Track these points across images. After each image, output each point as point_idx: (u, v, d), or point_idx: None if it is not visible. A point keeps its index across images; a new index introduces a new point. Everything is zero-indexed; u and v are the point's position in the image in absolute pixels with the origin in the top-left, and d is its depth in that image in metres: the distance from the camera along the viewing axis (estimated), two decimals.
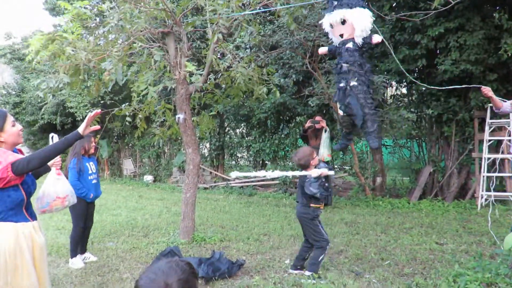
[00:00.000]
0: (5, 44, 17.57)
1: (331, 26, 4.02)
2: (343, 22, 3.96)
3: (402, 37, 7.30)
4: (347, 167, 10.75)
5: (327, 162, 7.60)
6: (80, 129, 2.48)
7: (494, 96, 4.47)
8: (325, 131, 7.52)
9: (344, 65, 3.93)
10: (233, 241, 5.26)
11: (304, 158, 3.74)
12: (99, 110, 2.67)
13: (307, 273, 3.77)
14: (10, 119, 2.43)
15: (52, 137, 2.81)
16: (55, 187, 3.11)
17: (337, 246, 4.94)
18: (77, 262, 4.40)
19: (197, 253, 4.69)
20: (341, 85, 3.99)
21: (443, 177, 8.08)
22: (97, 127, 2.69)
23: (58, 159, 3.06)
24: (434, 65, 7.28)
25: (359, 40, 3.97)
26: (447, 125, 7.81)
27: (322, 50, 4.30)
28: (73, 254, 4.42)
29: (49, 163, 2.90)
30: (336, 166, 10.89)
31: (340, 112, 4.25)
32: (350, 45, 3.98)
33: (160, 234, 5.69)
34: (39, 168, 2.46)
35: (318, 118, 7.58)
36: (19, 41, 17.44)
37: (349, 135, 4.57)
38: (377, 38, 4.03)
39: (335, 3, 4.01)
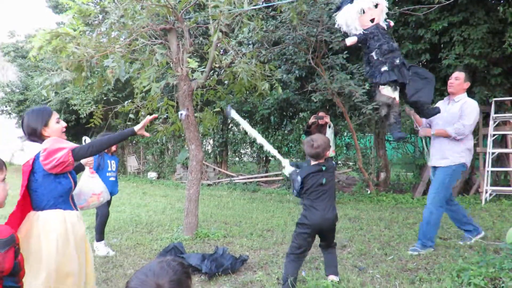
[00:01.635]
0: (8, 42, 17.61)
1: (363, 11, 3.86)
2: (376, 5, 3.88)
3: (406, 32, 7.27)
4: (350, 163, 10.74)
5: (331, 158, 7.59)
6: (136, 128, 2.69)
7: (416, 116, 4.62)
8: (329, 126, 7.50)
9: (385, 46, 3.76)
10: (237, 237, 5.27)
11: (323, 146, 3.34)
12: (156, 115, 2.97)
13: (337, 278, 3.49)
14: (55, 116, 2.57)
15: (85, 140, 3.00)
16: (90, 185, 3.33)
17: (341, 241, 4.93)
18: (102, 248, 4.63)
19: (200, 249, 4.71)
20: (385, 68, 3.75)
21: None
22: (154, 116, 2.89)
23: (91, 159, 3.31)
24: (438, 59, 7.24)
25: (384, 24, 3.93)
26: None
27: (351, 40, 3.87)
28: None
29: (83, 162, 3.16)
30: (339, 162, 10.88)
31: (392, 95, 3.85)
32: (384, 26, 3.91)
33: (163, 231, 5.71)
34: (95, 155, 2.71)
35: (321, 113, 7.56)
36: (22, 39, 17.47)
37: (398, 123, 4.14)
38: (391, 22, 4.08)
39: None
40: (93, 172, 3.42)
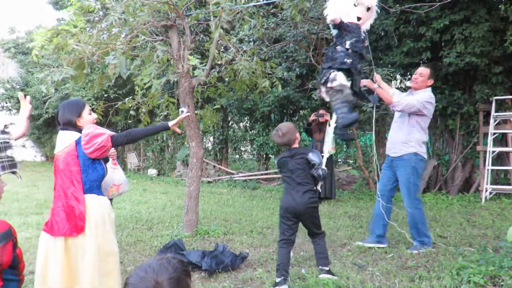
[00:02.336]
0: (9, 38, 17.58)
1: (356, 4, 3.89)
2: (368, 9, 3.92)
3: (407, 30, 7.25)
4: (351, 161, 10.75)
5: (331, 156, 7.61)
6: (170, 123, 2.88)
7: (380, 90, 4.45)
8: (329, 124, 7.50)
9: (360, 45, 3.83)
10: (237, 234, 5.28)
11: (289, 132, 3.44)
12: (189, 113, 3.20)
13: (327, 272, 3.50)
14: (87, 108, 2.77)
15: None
16: (112, 175, 3.50)
17: (341, 239, 4.94)
18: None
19: (200, 246, 4.71)
20: (347, 60, 3.82)
21: (447, 170, 8.06)
22: (187, 115, 3.14)
23: (114, 151, 3.56)
24: (439, 57, 7.24)
25: (364, 31, 3.97)
26: (451, 118, 7.77)
27: (334, 17, 3.82)
28: None
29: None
30: (339, 160, 10.89)
31: (345, 82, 3.89)
32: (363, 33, 3.95)
33: (164, 227, 5.71)
34: (131, 143, 2.88)
35: (322, 111, 7.56)
36: (23, 35, 17.45)
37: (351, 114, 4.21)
38: (367, 42, 4.10)
39: None
40: (116, 163, 3.57)
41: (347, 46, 3.83)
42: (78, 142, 2.60)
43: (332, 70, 3.90)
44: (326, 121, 7.57)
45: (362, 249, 4.45)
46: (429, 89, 4.37)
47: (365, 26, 4.02)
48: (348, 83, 3.91)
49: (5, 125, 2.59)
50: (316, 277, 3.48)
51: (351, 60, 3.81)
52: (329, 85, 3.89)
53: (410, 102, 4.24)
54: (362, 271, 3.73)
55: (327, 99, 4.12)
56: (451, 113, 7.64)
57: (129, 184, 11.32)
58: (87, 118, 2.74)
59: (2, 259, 1.57)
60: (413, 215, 4.38)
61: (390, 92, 4.48)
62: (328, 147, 7.49)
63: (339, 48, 3.91)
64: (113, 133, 2.67)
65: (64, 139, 2.65)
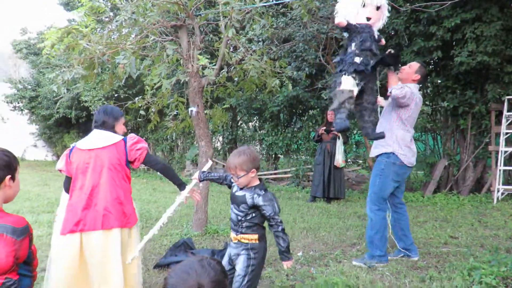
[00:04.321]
0: (21, 39, 17.78)
1: (364, 4, 3.82)
2: (378, 8, 3.86)
3: (417, 29, 7.20)
4: (360, 161, 10.70)
5: (341, 168, 7.64)
6: (187, 188, 2.89)
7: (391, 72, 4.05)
8: (339, 138, 7.55)
9: (368, 43, 3.72)
10: None
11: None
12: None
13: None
14: (123, 118, 2.97)
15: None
16: None
17: (350, 239, 4.92)
18: None
19: (210, 245, 4.73)
20: (356, 60, 3.66)
21: (458, 170, 7.98)
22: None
23: None
24: (450, 57, 7.17)
25: (376, 32, 3.90)
26: (463, 118, 7.69)
27: (341, 20, 3.72)
28: None
29: None
30: (349, 160, 10.85)
31: (352, 87, 3.70)
32: (376, 34, 3.87)
33: (173, 226, 5.74)
34: (152, 168, 3.02)
35: (330, 114, 7.60)
36: (34, 36, 17.64)
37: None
38: (383, 40, 3.96)
39: None
40: None
41: (353, 47, 3.75)
42: (125, 140, 2.76)
43: (343, 73, 3.75)
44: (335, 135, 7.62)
45: None
46: (417, 86, 4.09)
47: (377, 25, 3.94)
48: (355, 88, 3.71)
49: None
50: (325, 277, 3.47)
51: (361, 59, 3.72)
52: (337, 88, 3.82)
53: (397, 89, 3.83)
54: (372, 271, 3.71)
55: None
56: (463, 112, 7.57)
57: (139, 183, 11.41)
58: (121, 127, 2.92)
59: (19, 253, 1.61)
60: (370, 221, 3.98)
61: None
62: (339, 159, 7.54)
63: (348, 49, 3.86)
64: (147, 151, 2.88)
65: (105, 137, 2.75)
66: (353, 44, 3.77)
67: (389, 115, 4.05)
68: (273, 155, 11.82)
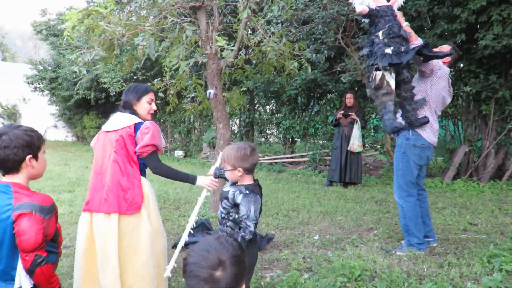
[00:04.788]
0: (40, 20, 17.93)
1: None
2: None
3: (441, 11, 6.98)
4: (378, 145, 10.59)
5: (358, 153, 7.55)
6: (196, 182, 2.79)
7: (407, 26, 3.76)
8: (356, 122, 7.46)
9: (395, 29, 3.57)
10: (263, 216, 5.31)
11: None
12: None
13: None
14: (149, 96, 2.74)
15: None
16: None
17: (367, 223, 4.91)
18: None
19: None
20: (388, 51, 3.53)
21: (479, 157, 7.82)
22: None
23: None
24: (474, 40, 6.96)
25: (397, 11, 3.78)
26: (485, 103, 7.50)
27: (362, 8, 3.61)
28: None
29: None
30: (366, 145, 10.75)
31: (389, 81, 3.61)
32: (396, 12, 3.71)
33: (190, 208, 5.80)
34: (158, 175, 2.73)
35: (349, 97, 7.51)
36: (54, 17, 17.76)
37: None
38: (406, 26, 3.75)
39: None
40: None
41: (380, 36, 3.59)
42: (137, 127, 2.60)
43: (375, 67, 3.59)
44: (353, 105, 7.50)
45: (389, 234, 4.40)
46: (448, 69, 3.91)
47: (397, 4, 3.80)
48: (392, 82, 3.58)
49: None
50: (342, 260, 3.47)
51: (391, 48, 3.53)
52: (372, 85, 3.66)
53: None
54: (389, 255, 3.70)
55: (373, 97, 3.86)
56: (485, 98, 7.37)
57: None
58: (144, 106, 2.72)
59: (47, 231, 1.66)
60: (401, 208, 3.87)
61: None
62: (354, 144, 7.46)
63: (376, 40, 3.66)
64: (159, 153, 2.72)
65: (121, 120, 2.64)
66: (380, 33, 3.62)
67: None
68: (290, 139, 11.79)
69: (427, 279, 3.08)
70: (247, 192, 2.24)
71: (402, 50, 3.55)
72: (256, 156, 2.35)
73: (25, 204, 1.62)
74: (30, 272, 1.64)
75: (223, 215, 2.37)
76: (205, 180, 2.75)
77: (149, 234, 2.55)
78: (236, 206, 2.28)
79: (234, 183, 2.38)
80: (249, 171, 2.32)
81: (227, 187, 2.40)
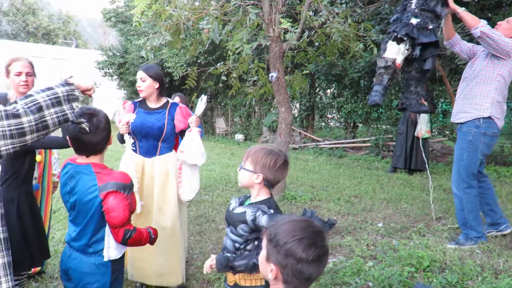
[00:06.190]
0: (110, 7, 18.79)
1: None
2: None
3: None
4: (447, 131, 10.03)
5: (426, 139, 7.17)
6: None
7: (465, 13, 3.37)
8: (425, 106, 7.06)
9: (432, 3, 3.26)
10: (324, 201, 5.25)
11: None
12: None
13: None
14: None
15: (201, 98, 2.80)
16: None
17: (435, 213, 4.68)
18: None
19: (288, 210, 4.77)
20: (412, 21, 3.19)
21: None
22: None
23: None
24: None
25: None
26: None
27: None
28: None
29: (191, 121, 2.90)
30: (434, 130, 10.22)
31: (395, 55, 3.26)
32: None
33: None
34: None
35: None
36: (122, 4, 18.52)
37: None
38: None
39: None
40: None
41: (413, 5, 3.25)
42: (172, 106, 2.97)
43: (391, 36, 3.26)
44: None
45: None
46: None
47: None
48: (399, 56, 3.24)
49: (68, 78, 2.01)
50: (409, 249, 3.34)
51: (418, 20, 3.18)
52: (381, 54, 3.32)
53: (504, 38, 3.28)
54: (459, 247, 3.50)
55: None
56: None
57: (218, 148, 11.77)
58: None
59: (132, 207, 1.76)
60: (459, 200, 3.57)
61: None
62: (421, 129, 7.09)
63: (408, 7, 3.31)
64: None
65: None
66: (414, 1, 3.29)
67: (484, 72, 3.47)
68: (352, 124, 11.49)
69: (504, 274, 2.88)
70: (272, 211, 1.71)
71: (429, 27, 3.20)
72: (286, 171, 1.85)
73: (109, 183, 1.70)
74: (123, 244, 1.79)
75: (237, 245, 1.80)
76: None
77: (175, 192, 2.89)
78: (257, 231, 1.75)
79: (242, 202, 1.89)
80: (269, 184, 1.80)
81: (237, 208, 1.83)
